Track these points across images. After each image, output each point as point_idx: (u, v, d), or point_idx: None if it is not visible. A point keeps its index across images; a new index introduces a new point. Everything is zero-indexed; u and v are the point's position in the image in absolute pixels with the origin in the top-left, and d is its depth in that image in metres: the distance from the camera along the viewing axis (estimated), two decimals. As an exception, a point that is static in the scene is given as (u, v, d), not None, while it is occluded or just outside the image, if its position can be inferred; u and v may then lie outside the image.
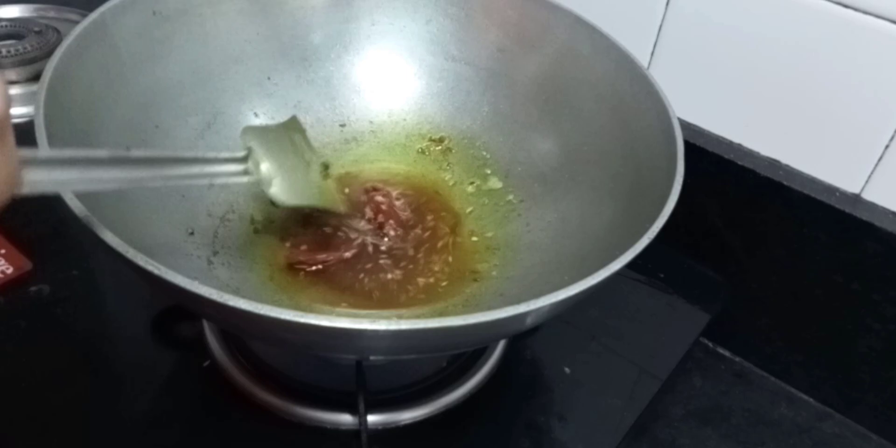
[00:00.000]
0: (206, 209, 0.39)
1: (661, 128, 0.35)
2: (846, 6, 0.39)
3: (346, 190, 0.44)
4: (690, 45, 0.45)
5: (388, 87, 0.46)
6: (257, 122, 0.43)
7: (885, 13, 0.38)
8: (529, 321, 0.29)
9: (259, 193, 0.42)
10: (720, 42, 0.44)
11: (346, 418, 0.36)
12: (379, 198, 0.43)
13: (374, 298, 0.38)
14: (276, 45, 0.43)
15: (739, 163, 0.45)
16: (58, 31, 0.57)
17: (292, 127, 0.38)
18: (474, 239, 0.42)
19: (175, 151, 0.33)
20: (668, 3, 0.45)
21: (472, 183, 0.44)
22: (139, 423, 0.35)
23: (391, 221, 0.42)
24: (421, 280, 0.39)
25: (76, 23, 0.36)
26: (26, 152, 0.21)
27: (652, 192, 0.33)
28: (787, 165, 0.45)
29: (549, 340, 0.43)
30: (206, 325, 0.40)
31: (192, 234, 0.38)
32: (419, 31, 0.45)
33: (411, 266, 0.40)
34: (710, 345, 0.51)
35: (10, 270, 0.42)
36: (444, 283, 0.39)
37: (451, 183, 0.45)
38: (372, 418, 0.36)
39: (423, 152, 0.46)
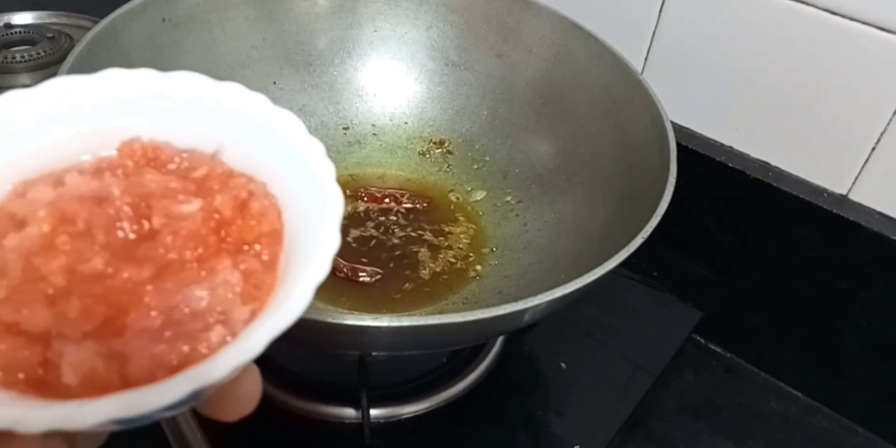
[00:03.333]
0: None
1: (655, 131, 0.36)
2: (834, 13, 0.39)
3: (348, 192, 0.45)
4: (683, 51, 0.46)
5: (389, 92, 0.47)
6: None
7: (871, 20, 0.39)
8: (527, 318, 0.30)
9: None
10: (712, 48, 0.45)
11: (349, 412, 0.37)
12: (385, 201, 0.44)
13: (376, 296, 0.39)
14: (282, 50, 0.44)
15: (730, 165, 0.46)
16: (70, 37, 0.58)
17: None
18: (473, 238, 0.43)
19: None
20: (661, 11, 0.46)
21: (466, 189, 0.45)
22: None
23: (394, 223, 0.43)
24: (422, 278, 0.40)
25: (88, 29, 0.36)
26: None
27: (645, 193, 0.34)
28: (776, 167, 0.46)
29: (546, 337, 0.43)
30: (213, 322, 0.41)
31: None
32: (420, 37, 0.46)
33: (412, 265, 0.41)
34: (703, 341, 0.52)
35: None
36: (443, 282, 0.40)
37: (451, 184, 0.46)
38: (374, 412, 0.37)
39: (423, 155, 0.47)
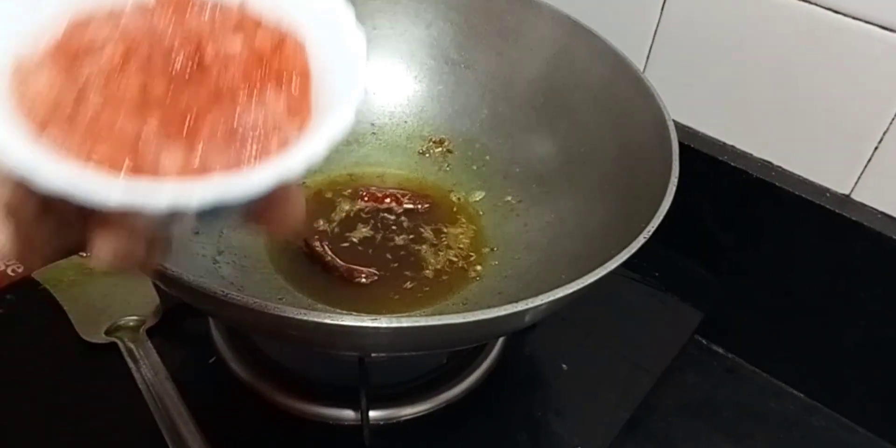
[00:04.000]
0: (212, 209, 0.40)
1: (656, 130, 0.36)
2: (837, 12, 0.39)
3: (349, 192, 0.44)
4: (685, 49, 0.46)
5: (389, 90, 0.46)
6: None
7: (874, 19, 0.38)
8: (527, 319, 0.30)
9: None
10: (714, 46, 0.45)
11: (348, 413, 0.37)
12: (387, 201, 0.44)
13: (376, 297, 0.39)
14: (280, 48, 0.44)
15: (733, 164, 0.46)
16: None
17: None
18: (473, 238, 0.43)
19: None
20: (662, 9, 0.45)
21: (465, 188, 0.45)
22: (147, 418, 0.36)
23: (394, 223, 0.43)
24: (421, 279, 0.40)
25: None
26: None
27: (647, 193, 0.34)
28: (779, 167, 0.46)
29: (547, 337, 0.43)
30: (212, 322, 0.41)
31: (197, 233, 0.38)
32: (420, 35, 0.46)
33: (412, 266, 0.41)
34: (703, 341, 0.52)
35: (21, 268, 0.42)
36: (443, 282, 0.40)
37: (451, 184, 0.46)
38: (374, 413, 0.37)
39: (423, 154, 0.47)
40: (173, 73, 0.18)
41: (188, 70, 0.18)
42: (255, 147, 0.18)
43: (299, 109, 0.19)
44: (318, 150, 0.17)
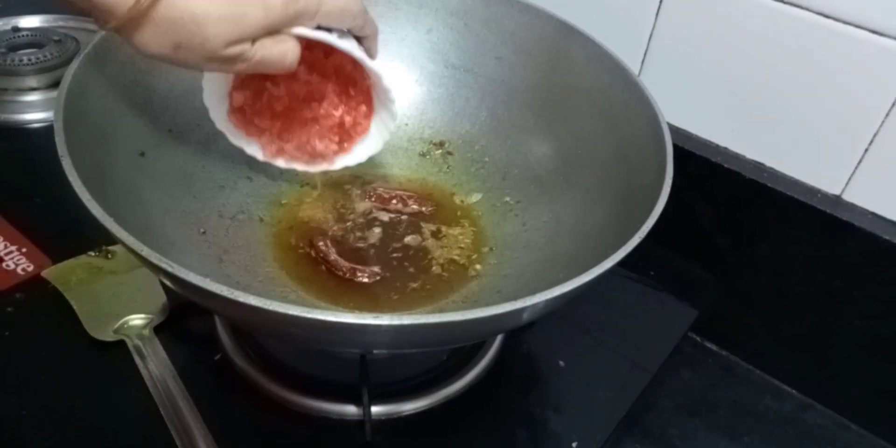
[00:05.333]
0: (217, 210, 0.41)
1: (652, 132, 0.37)
2: (827, 16, 0.40)
3: (354, 193, 0.45)
4: (679, 54, 0.46)
5: (390, 94, 0.47)
6: (265, 126, 0.45)
7: (863, 23, 0.39)
8: (525, 317, 0.31)
9: (268, 195, 0.44)
10: (708, 50, 0.45)
11: (350, 409, 0.38)
12: (392, 202, 0.45)
13: (378, 296, 0.40)
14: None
15: (726, 166, 0.46)
16: (76, 41, 0.59)
17: None
18: (473, 238, 0.43)
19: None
20: (657, 14, 0.46)
21: (465, 189, 0.46)
22: (154, 413, 0.37)
23: (398, 223, 0.44)
24: (422, 278, 0.41)
25: (94, 32, 0.37)
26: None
27: (643, 194, 0.34)
28: (771, 168, 0.46)
29: (545, 335, 0.44)
30: (217, 320, 0.41)
31: (203, 233, 0.39)
32: (420, 40, 0.46)
33: (414, 265, 0.42)
34: (699, 339, 0.52)
35: (30, 268, 0.43)
36: (443, 281, 0.41)
37: (451, 185, 0.46)
38: (375, 409, 0.37)
39: (424, 155, 0.47)
40: (301, 99, 0.35)
41: (307, 102, 0.35)
42: (306, 158, 0.38)
43: (344, 147, 0.38)
44: (397, 116, 0.38)
